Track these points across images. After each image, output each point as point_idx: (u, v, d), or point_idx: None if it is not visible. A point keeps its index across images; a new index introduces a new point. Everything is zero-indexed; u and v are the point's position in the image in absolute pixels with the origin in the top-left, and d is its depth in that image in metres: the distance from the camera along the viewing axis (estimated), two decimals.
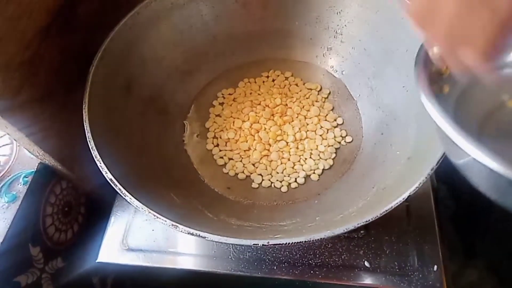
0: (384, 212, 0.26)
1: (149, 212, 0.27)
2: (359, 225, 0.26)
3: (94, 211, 0.45)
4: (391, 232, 0.37)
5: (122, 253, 0.38)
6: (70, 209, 0.42)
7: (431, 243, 0.36)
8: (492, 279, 0.45)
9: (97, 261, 0.38)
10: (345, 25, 0.42)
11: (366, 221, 0.26)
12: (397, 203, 0.27)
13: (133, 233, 0.39)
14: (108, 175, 0.28)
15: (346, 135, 0.41)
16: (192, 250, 0.37)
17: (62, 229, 0.41)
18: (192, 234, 0.26)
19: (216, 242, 0.26)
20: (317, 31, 0.43)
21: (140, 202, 0.27)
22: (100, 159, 0.29)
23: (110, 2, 0.40)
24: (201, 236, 0.26)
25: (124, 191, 0.28)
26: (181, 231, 0.26)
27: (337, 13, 0.42)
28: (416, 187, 0.27)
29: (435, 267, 0.35)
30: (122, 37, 0.37)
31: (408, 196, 0.27)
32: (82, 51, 0.35)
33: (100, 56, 0.34)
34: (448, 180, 0.46)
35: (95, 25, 0.38)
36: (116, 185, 0.28)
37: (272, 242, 0.26)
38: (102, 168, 0.29)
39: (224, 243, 0.26)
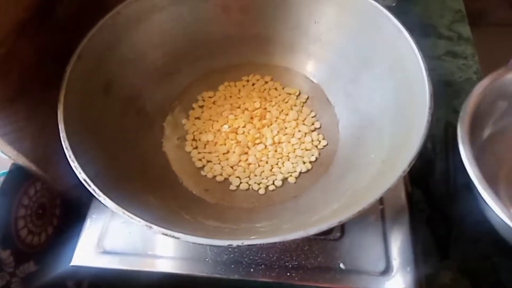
0: (356, 213, 0.27)
1: (123, 213, 0.27)
2: (332, 225, 0.26)
3: (69, 213, 0.44)
4: (366, 235, 0.37)
5: (98, 256, 0.37)
6: (44, 211, 0.41)
7: (405, 246, 0.37)
8: (465, 282, 0.46)
9: (71, 264, 0.37)
10: (324, 32, 0.43)
11: (339, 221, 0.27)
12: (369, 204, 0.27)
13: (110, 236, 0.38)
14: (82, 175, 0.28)
15: (323, 139, 0.42)
16: (169, 252, 0.37)
17: (35, 231, 0.40)
18: (166, 234, 0.26)
19: (190, 243, 0.26)
20: (296, 37, 0.44)
21: (113, 202, 0.27)
22: (74, 159, 0.29)
23: (92, 1, 0.39)
24: (175, 237, 0.26)
25: (97, 191, 0.27)
26: (156, 232, 0.26)
27: (315, 20, 0.42)
28: (388, 188, 0.28)
29: (409, 269, 0.35)
30: (101, 37, 0.36)
31: (381, 198, 0.28)
32: (59, 50, 0.35)
33: (78, 55, 0.34)
34: (422, 184, 0.48)
35: (74, 24, 0.37)
36: (90, 186, 0.28)
37: (246, 242, 0.26)
38: (76, 168, 0.28)
39: (199, 244, 0.26)
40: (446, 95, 0.55)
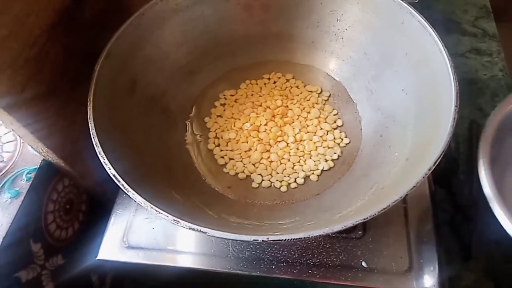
0: (381, 210, 0.27)
1: (151, 208, 0.27)
2: (357, 222, 0.26)
3: (95, 209, 0.45)
4: (389, 234, 0.37)
5: (122, 250, 0.38)
6: (71, 206, 0.42)
7: (428, 245, 0.36)
8: (488, 283, 0.45)
9: (97, 258, 0.38)
10: (346, 29, 0.43)
11: (364, 218, 0.27)
12: (394, 201, 0.27)
13: (134, 231, 0.39)
14: (111, 171, 0.29)
15: (346, 137, 0.41)
16: (192, 248, 0.38)
17: (63, 226, 0.41)
18: (193, 229, 0.26)
19: (216, 237, 0.27)
20: (318, 34, 0.44)
21: (142, 197, 0.28)
22: (104, 155, 0.29)
23: (116, 2, 0.40)
24: (202, 232, 0.26)
25: (126, 186, 0.28)
26: (183, 227, 0.27)
27: (338, 17, 0.42)
28: (413, 186, 0.28)
29: (432, 269, 0.35)
30: (127, 37, 0.37)
31: (406, 195, 0.28)
32: (87, 50, 0.36)
33: (105, 55, 0.35)
34: (445, 184, 0.47)
35: (101, 25, 0.38)
36: (119, 181, 0.28)
37: (271, 238, 0.26)
38: (106, 164, 0.29)
39: (225, 238, 0.27)
40: (470, 93, 0.54)
